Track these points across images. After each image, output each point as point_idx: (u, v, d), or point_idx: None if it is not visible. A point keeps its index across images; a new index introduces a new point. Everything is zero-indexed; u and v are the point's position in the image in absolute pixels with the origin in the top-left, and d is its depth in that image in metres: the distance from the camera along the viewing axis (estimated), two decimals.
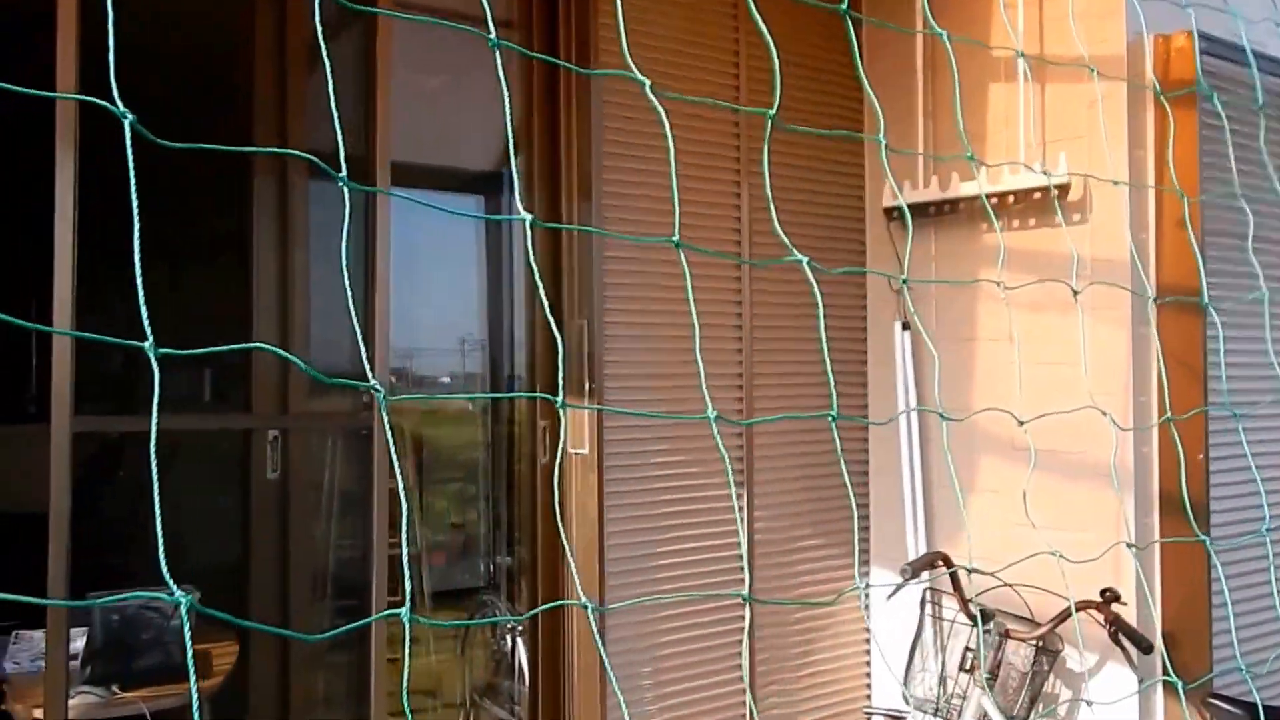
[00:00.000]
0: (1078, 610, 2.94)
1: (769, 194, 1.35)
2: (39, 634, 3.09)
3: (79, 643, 3.17)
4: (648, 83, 1.11)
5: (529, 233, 0.85)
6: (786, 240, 1.23)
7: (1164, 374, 3.11)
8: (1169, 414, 2.99)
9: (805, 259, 1.19)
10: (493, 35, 1.01)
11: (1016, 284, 3.20)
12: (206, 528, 4.17)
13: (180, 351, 0.74)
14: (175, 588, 0.58)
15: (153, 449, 0.72)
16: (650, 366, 3.37)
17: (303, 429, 3.05)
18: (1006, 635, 3.06)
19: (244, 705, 3.02)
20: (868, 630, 3.90)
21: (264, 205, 3.04)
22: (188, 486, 4.15)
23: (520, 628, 3.54)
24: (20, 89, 0.74)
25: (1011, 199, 3.33)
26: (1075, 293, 1.95)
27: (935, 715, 3.23)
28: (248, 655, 3.14)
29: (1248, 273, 3.27)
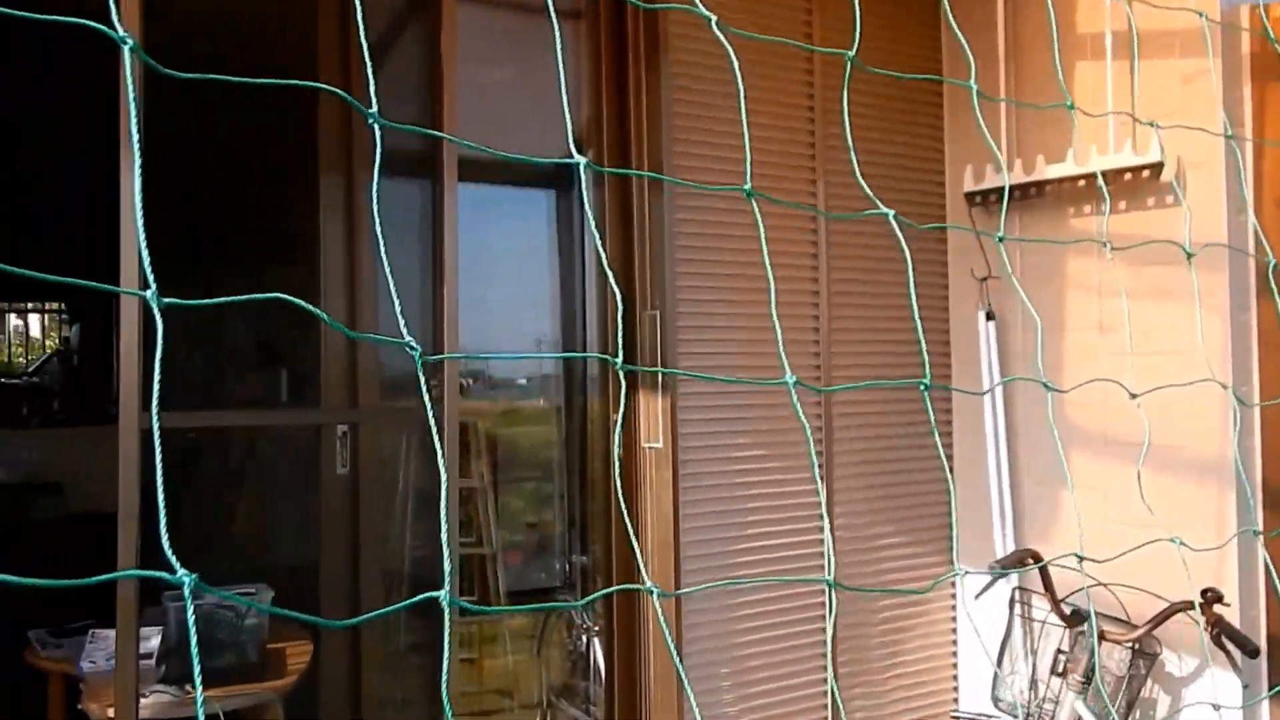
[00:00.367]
0: (1178, 611, 2.80)
1: (849, 138, 1.27)
2: (114, 633, 3.11)
3: (154, 641, 3.19)
4: (714, 18, 1.04)
5: (581, 176, 0.78)
6: (868, 191, 1.14)
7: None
8: None
9: (891, 212, 1.10)
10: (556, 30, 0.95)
11: (1120, 251, 3.06)
12: (279, 524, 4.20)
13: (186, 303, 0.68)
14: (178, 566, 0.51)
15: (154, 408, 0.66)
16: (723, 358, 3.29)
17: (372, 424, 3.02)
18: (1102, 637, 2.92)
19: (316, 705, 2.99)
20: (954, 631, 3.77)
21: (330, 203, 3.03)
22: (262, 483, 4.17)
23: (596, 627, 3.47)
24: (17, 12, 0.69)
25: (1101, 181, 3.19)
26: (1189, 255, 1.82)
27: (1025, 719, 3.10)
28: (319, 655, 3.12)
29: None
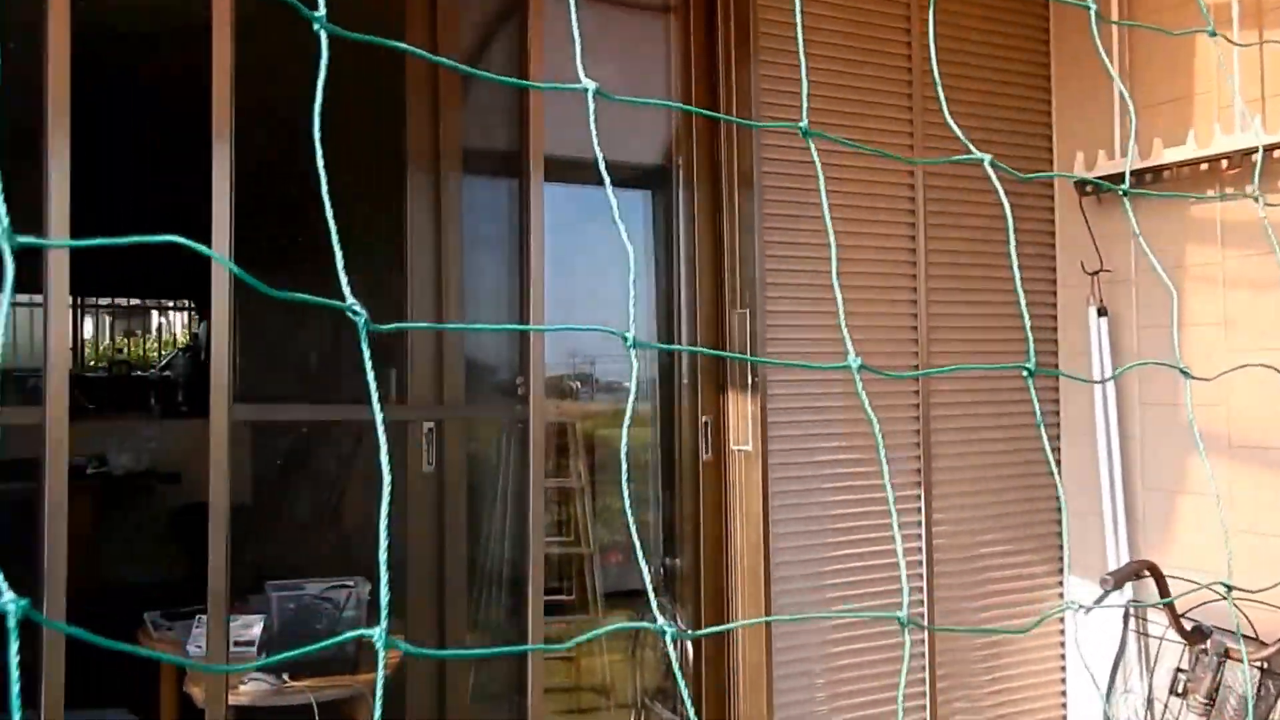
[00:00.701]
0: None
1: (939, 90, 1.16)
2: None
3: (256, 629, 3.28)
4: None
5: (591, 104, 0.73)
6: (960, 138, 1.06)
7: None
8: None
9: (987, 157, 1.02)
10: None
11: (1243, 241, 2.85)
12: (369, 520, 4.28)
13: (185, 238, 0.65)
14: (6, 590, 0.48)
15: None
16: (816, 358, 3.20)
17: (458, 421, 3.04)
18: (1226, 655, 2.72)
19: (403, 702, 3.03)
20: (1062, 645, 3.58)
21: (419, 199, 3.05)
22: (352, 479, 4.26)
23: (687, 628, 3.43)
24: None
25: (1224, 164, 2.97)
26: None
27: None
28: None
29: None
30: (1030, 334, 0.98)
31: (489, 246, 3.26)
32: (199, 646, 3.34)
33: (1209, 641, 2.72)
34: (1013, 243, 1.33)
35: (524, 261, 2.93)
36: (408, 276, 3.02)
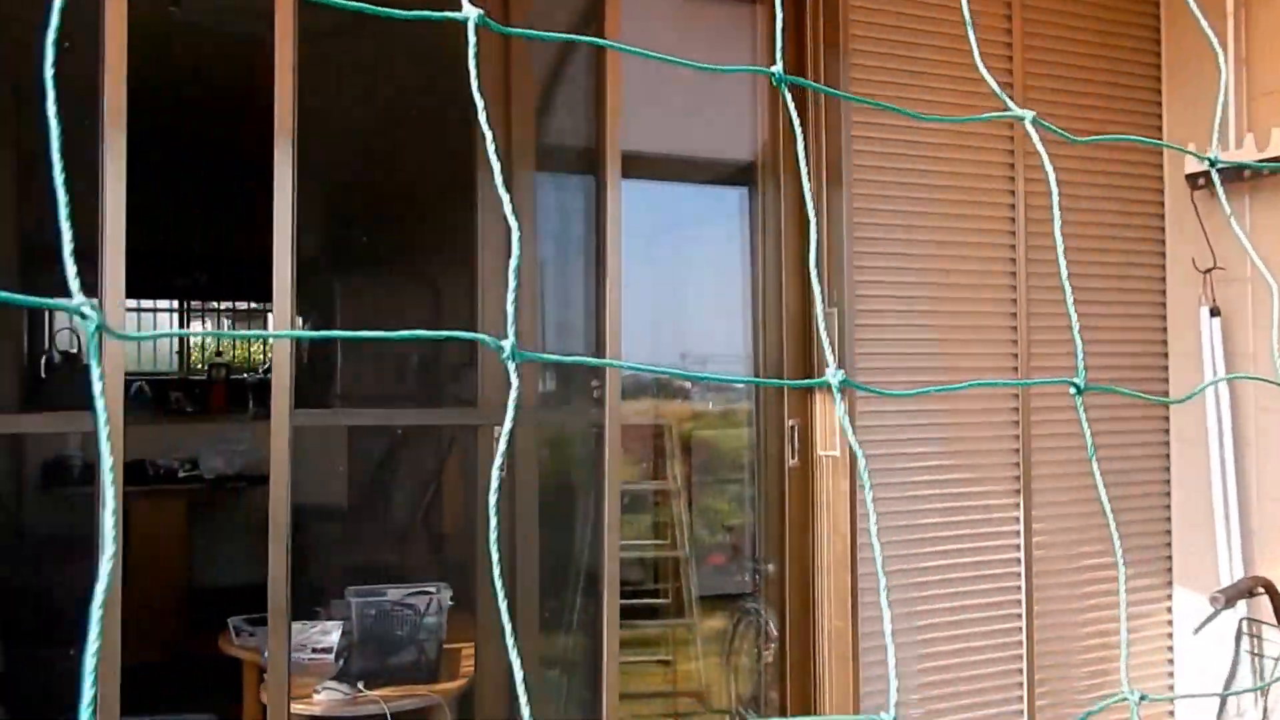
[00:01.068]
0: None
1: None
2: (298, 625, 3.19)
3: (334, 636, 3.26)
4: None
5: (472, 36, 0.65)
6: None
7: None
8: None
9: (1030, 114, 0.92)
10: None
11: None
12: (444, 524, 4.26)
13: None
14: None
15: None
16: (907, 358, 3.07)
17: (529, 426, 2.98)
18: None
19: (472, 708, 2.99)
20: (1171, 663, 3.38)
21: (489, 200, 3.00)
22: (426, 483, 4.25)
23: (774, 636, 3.33)
24: None
25: None
26: None
27: None
28: (478, 657, 3.11)
29: None
30: (1080, 346, 0.87)
31: (567, 247, 3.20)
32: None
33: None
34: (1057, 239, 1.21)
35: (600, 260, 2.85)
36: (479, 274, 2.97)
